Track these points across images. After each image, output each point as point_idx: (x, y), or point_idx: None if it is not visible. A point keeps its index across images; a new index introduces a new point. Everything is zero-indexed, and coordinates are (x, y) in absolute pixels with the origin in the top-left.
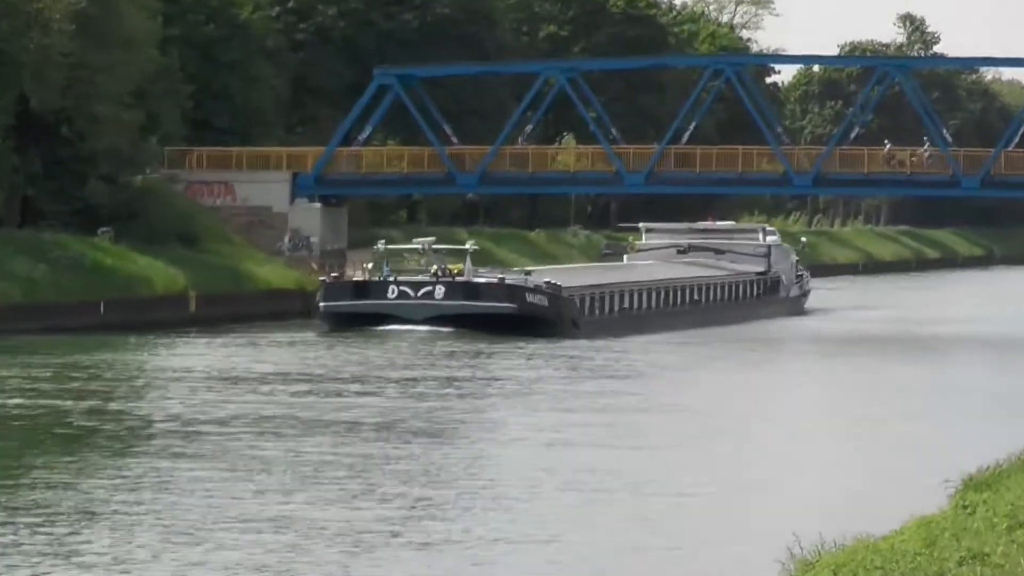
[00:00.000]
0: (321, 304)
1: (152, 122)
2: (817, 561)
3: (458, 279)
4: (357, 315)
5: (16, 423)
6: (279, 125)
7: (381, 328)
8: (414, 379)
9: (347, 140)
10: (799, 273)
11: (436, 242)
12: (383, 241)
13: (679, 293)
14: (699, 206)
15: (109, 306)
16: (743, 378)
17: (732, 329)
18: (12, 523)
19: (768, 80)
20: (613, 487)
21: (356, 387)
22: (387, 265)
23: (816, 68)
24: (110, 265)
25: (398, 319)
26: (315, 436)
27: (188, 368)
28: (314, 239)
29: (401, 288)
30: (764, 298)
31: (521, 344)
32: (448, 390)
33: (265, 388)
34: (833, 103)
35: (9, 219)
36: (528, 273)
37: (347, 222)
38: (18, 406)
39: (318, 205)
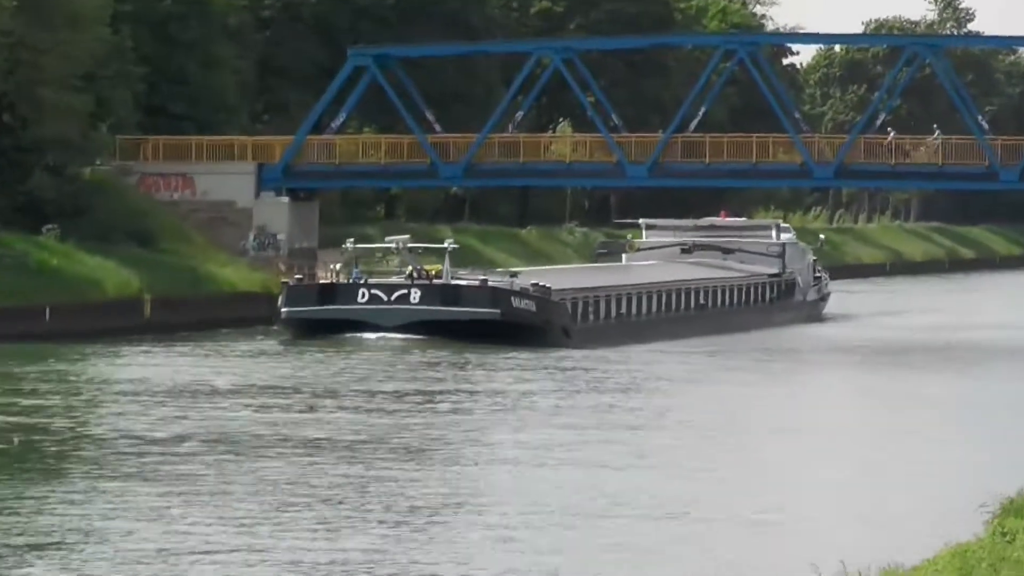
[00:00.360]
0: (283, 310)
1: (102, 108)
2: None
3: (436, 281)
4: (323, 322)
5: None
6: (243, 111)
7: (351, 336)
8: (390, 393)
9: (318, 128)
10: (817, 274)
11: (412, 240)
12: (352, 240)
13: (682, 297)
14: (708, 201)
15: (55, 312)
16: (755, 392)
17: (742, 337)
18: None
19: (785, 61)
20: (620, 514)
21: (329, 402)
22: (357, 266)
23: (838, 48)
24: (56, 266)
25: (369, 326)
26: (282, 457)
27: (141, 381)
28: (281, 237)
29: (372, 292)
30: (778, 303)
31: (505, 354)
32: (428, 405)
33: (225, 403)
34: (857, 87)
35: None
36: (514, 275)
37: (318, 218)
38: None
39: (286, 199)
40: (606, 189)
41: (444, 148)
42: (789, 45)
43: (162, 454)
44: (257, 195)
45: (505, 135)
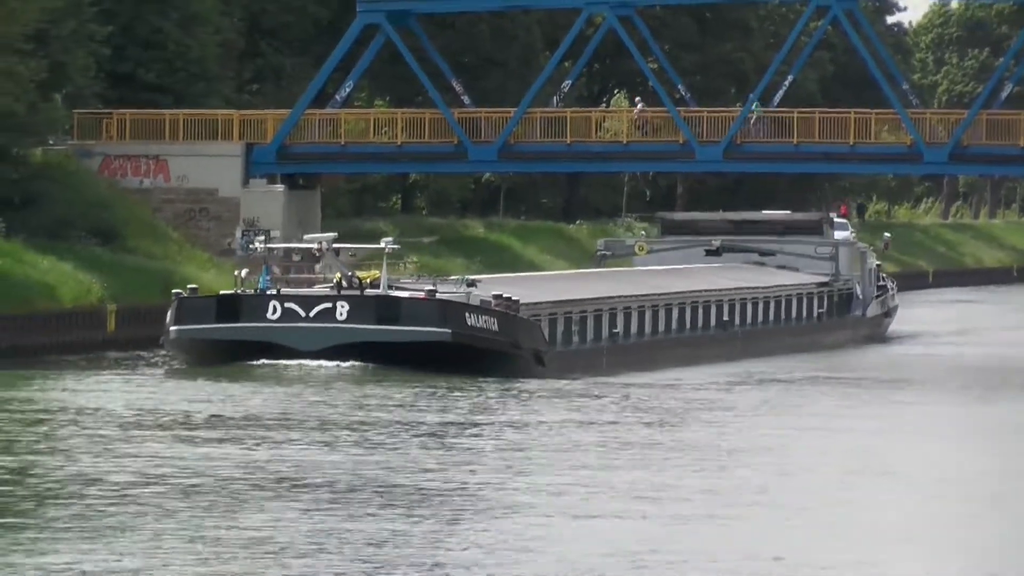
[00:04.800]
0: (172, 328)
1: (56, 76)
2: None
3: (369, 292)
4: (222, 344)
5: None
6: (228, 80)
7: (261, 363)
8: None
9: (320, 100)
10: (881, 283)
11: (339, 239)
12: (262, 237)
13: (699, 313)
14: (797, 189)
15: None
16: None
17: (778, 364)
18: None
19: (890, 20)
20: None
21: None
22: (267, 273)
23: (955, 4)
24: (0, 269)
25: (282, 349)
26: (253, 501)
27: (99, 409)
28: (275, 233)
29: (286, 305)
30: (828, 319)
31: (447, 385)
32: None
33: (198, 437)
34: (978, 51)
35: None
36: (471, 283)
37: (320, 210)
38: None
39: (281, 188)
40: (671, 175)
41: (474, 125)
42: (895, 0)
43: (103, 499)
44: (245, 182)
45: (548, 110)
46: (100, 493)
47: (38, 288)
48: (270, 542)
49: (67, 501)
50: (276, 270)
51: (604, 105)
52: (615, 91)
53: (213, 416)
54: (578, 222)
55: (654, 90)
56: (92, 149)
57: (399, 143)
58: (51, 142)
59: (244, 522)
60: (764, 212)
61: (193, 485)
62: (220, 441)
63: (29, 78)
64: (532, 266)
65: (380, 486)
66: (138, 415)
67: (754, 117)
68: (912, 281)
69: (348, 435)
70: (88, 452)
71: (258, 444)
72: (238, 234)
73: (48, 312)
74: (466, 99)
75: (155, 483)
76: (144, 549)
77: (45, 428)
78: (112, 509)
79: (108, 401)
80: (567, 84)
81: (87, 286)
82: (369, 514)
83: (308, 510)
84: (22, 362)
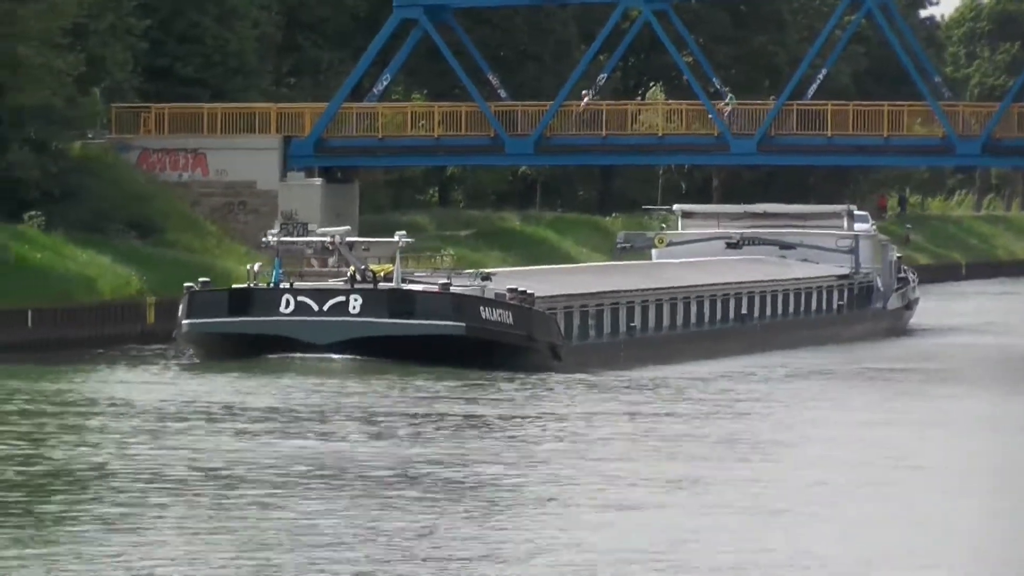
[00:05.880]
0: (184, 322)
1: (95, 70)
2: None
3: (383, 286)
4: (235, 338)
5: None
6: (266, 74)
7: (274, 357)
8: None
9: (357, 93)
10: (901, 275)
11: (351, 233)
12: (274, 231)
13: (717, 306)
14: (831, 182)
15: (40, 317)
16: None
17: (796, 357)
18: None
19: (923, 13)
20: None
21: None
22: (280, 266)
23: None
24: (40, 261)
25: (295, 343)
26: (302, 491)
27: (138, 400)
28: (313, 227)
29: (299, 299)
30: (848, 312)
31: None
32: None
33: (243, 426)
34: (1009, 45)
35: None
36: (486, 277)
37: (358, 204)
38: None
39: (318, 181)
40: (706, 168)
41: (511, 118)
42: None
43: (143, 491)
44: (283, 175)
45: (585, 103)
46: (142, 484)
47: (78, 281)
48: (310, 532)
49: (108, 492)
50: (315, 263)
51: (639, 99)
52: (650, 84)
53: (243, 408)
54: (613, 215)
55: (688, 84)
56: (130, 143)
57: (436, 136)
58: (90, 136)
59: (281, 512)
60: (786, 206)
61: (225, 476)
62: (252, 433)
63: (67, 72)
64: (568, 258)
65: (416, 477)
66: (171, 406)
67: (728, 109)
68: (946, 273)
69: (379, 427)
70: (127, 443)
71: (293, 436)
72: (276, 227)
73: (88, 305)
74: (502, 93)
75: (190, 474)
76: (182, 539)
77: (84, 420)
78: (153, 499)
79: (146, 393)
80: (603, 78)
81: (126, 279)
82: (406, 505)
83: (347, 500)
84: (62, 354)
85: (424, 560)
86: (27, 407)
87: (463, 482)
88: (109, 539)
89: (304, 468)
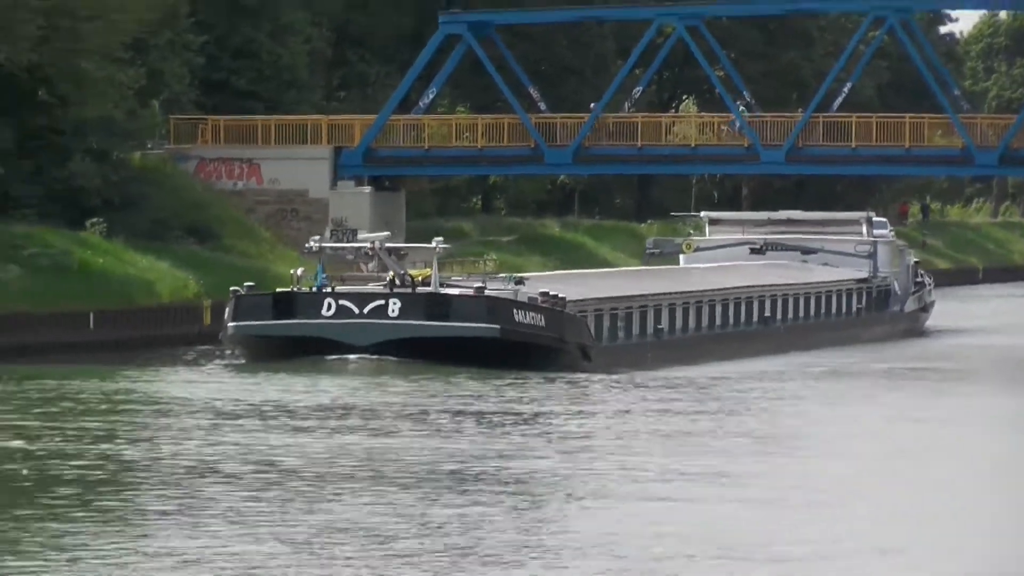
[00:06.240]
0: (230, 324)
1: (154, 84)
2: None
3: (421, 290)
4: (279, 340)
5: None
6: (317, 87)
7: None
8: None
9: (404, 106)
10: (918, 279)
11: (391, 239)
12: (317, 237)
13: (741, 309)
14: (856, 190)
15: (101, 319)
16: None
17: (814, 357)
18: None
19: (943, 30)
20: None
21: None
22: (323, 271)
23: (1003, 15)
24: (102, 266)
25: (336, 345)
26: (345, 487)
27: (192, 399)
28: (362, 233)
29: (340, 303)
30: (867, 314)
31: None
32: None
33: (294, 423)
34: None
35: None
36: (519, 281)
37: (405, 211)
38: None
39: (367, 189)
40: (737, 177)
41: (550, 130)
42: (947, 11)
43: (201, 484)
44: (333, 184)
45: (620, 115)
46: (199, 477)
47: (138, 285)
48: (362, 527)
49: (167, 485)
50: (364, 268)
51: (673, 111)
52: (684, 97)
53: (293, 406)
54: (649, 221)
55: (720, 97)
56: (188, 153)
57: (480, 147)
58: (149, 146)
59: (332, 504)
60: (807, 213)
61: (278, 470)
62: (303, 430)
63: (128, 86)
64: (605, 263)
65: (459, 471)
66: (225, 404)
67: (738, 125)
68: (964, 277)
69: (423, 423)
70: (185, 439)
71: (343, 432)
72: (327, 233)
73: (147, 307)
74: (543, 105)
75: (244, 468)
76: (238, 533)
77: (143, 417)
78: (209, 492)
79: (201, 391)
80: (638, 91)
81: (184, 282)
82: (451, 497)
83: (396, 494)
84: (122, 354)
85: (470, 550)
86: (89, 405)
87: (504, 476)
88: (169, 529)
89: (353, 463)
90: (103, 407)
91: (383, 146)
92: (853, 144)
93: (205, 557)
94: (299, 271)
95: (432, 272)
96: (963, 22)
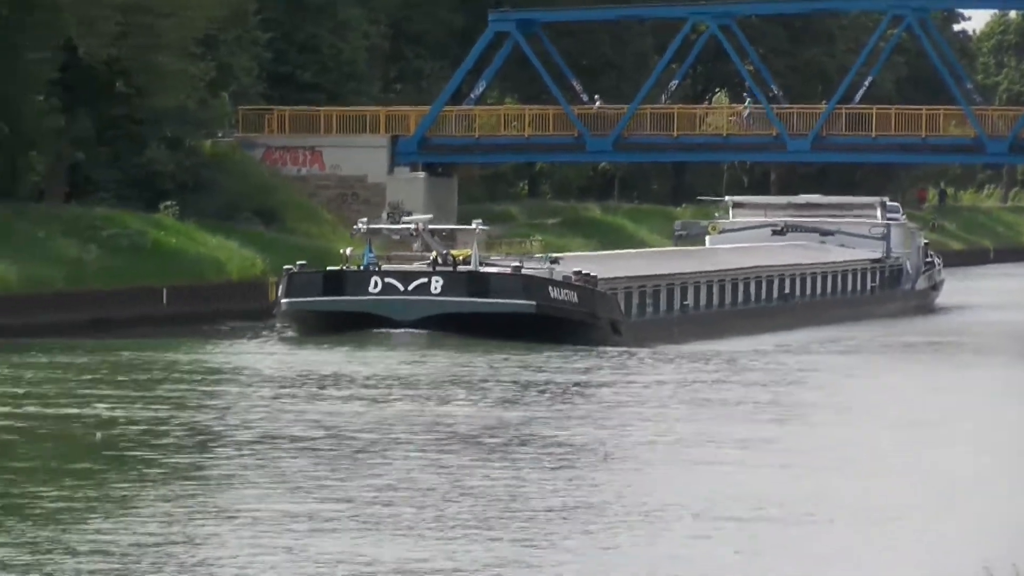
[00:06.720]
0: (283, 301)
1: (224, 76)
2: None
3: (461, 268)
4: (329, 315)
5: (56, 437)
6: (375, 80)
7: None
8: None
9: (456, 98)
10: (928, 259)
11: (433, 221)
12: (365, 219)
13: (762, 286)
14: (876, 177)
15: (173, 294)
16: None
17: (830, 331)
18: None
19: (956, 28)
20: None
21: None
22: (370, 250)
23: (1013, 14)
24: (175, 246)
25: (382, 320)
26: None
27: (261, 371)
28: (417, 215)
29: (386, 280)
30: (880, 292)
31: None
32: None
33: (350, 392)
34: None
35: (54, 192)
36: (554, 261)
37: (456, 195)
38: (56, 417)
39: (422, 175)
40: (765, 164)
41: (592, 120)
42: (961, 10)
43: (264, 448)
44: (391, 170)
45: (658, 106)
46: (266, 443)
47: (208, 263)
48: (413, 486)
49: (234, 449)
50: (414, 248)
51: (707, 103)
52: (716, 90)
53: (349, 377)
54: (683, 205)
55: (750, 89)
56: (255, 141)
57: (526, 136)
58: (219, 135)
59: (387, 467)
60: (826, 197)
61: (337, 436)
62: (359, 398)
63: (200, 78)
64: (642, 244)
65: (504, 436)
66: (287, 374)
67: (747, 112)
68: (976, 257)
69: (470, 392)
70: (250, 407)
71: (394, 400)
72: (384, 215)
73: (216, 284)
74: (585, 97)
75: (305, 433)
76: (298, 492)
77: (214, 387)
78: (272, 455)
79: (264, 362)
80: (674, 84)
81: (251, 261)
82: (498, 461)
83: (446, 457)
84: (194, 328)
85: (518, 511)
86: (164, 375)
87: (549, 440)
88: (235, 490)
89: (406, 428)
90: (174, 376)
91: (436, 135)
92: (873, 134)
93: (269, 516)
94: (348, 251)
95: (472, 252)
96: (976, 20)
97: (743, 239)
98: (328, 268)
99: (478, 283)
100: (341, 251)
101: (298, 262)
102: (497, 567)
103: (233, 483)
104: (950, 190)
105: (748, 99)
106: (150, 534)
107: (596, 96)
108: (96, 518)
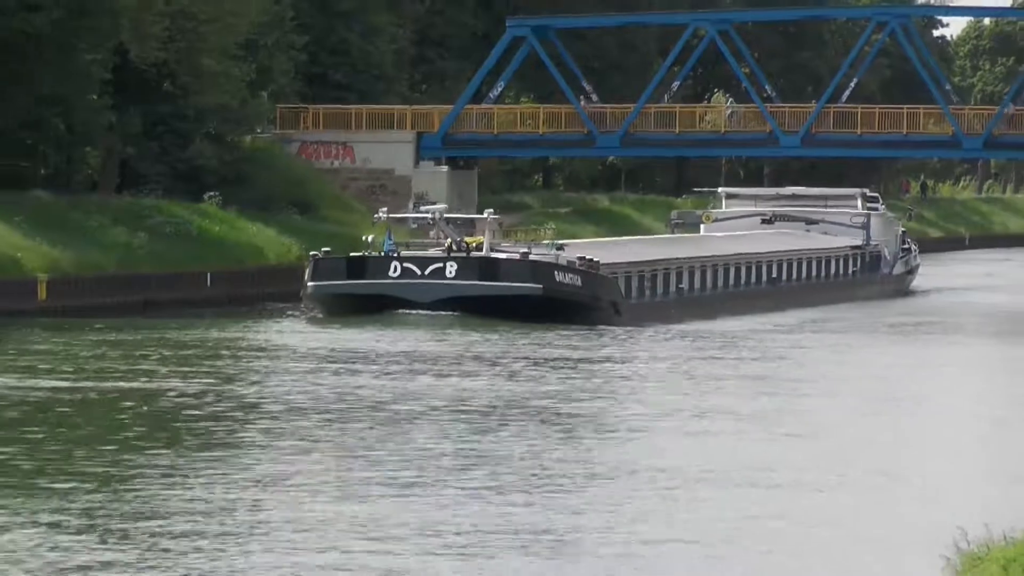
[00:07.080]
0: (310, 284)
1: (263, 77)
2: (986, 556)
3: (473, 254)
4: (352, 297)
5: (109, 409)
6: (402, 81)
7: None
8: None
9: (477, 97)
10: (904, 246)
11: (449, 210)
12: (385, 208)
13: (752, 271)
14: (860, 171)
15: (216, 278)
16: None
17: (814, 312)
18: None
19: (936, 33)
20: (754, 481)
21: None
22: (390, 237)
23: (987, 21)
24: (217, 233)
25: (401, 302)
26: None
27: (296, 348)
28: (441, 205)
29: (405, 265)
30: (860, 276)
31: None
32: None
33: (378, 367)
34: (1005, 59)
35: (105, 184)
36: (559, 247)
37: (477, 187)
38: (113, 390)
39: (445, 168)
40: (760, 159)
41: (601, 118)
42: (939, 17)
43: (300, 419)
44: (416, 164)
45: (661, 105)
46: (298, 414)
47: (248, 249)
48: (439, 455)
49: (272, 420)
50: (435, 235)
51: (706, 102)
52: (714, 91)
53: (375, 353)
54: (684, 196)
55: (746, 90)
56: (291, 137)
57: (541, 132)
58: (259, 131)
59: (412, 436)
60: (810, 188)
61: (365, 407)
62: (387, 373)
63: (241, 79)
64: (648, 231)
65: (518, 407)
66: (321, 351)
67: (729, 111)
68: (952, 244)
69: (486, 367)
70: (286, 381)
71: (420, 375)
72: (410, 205)
73: (256, 268)
74: (595, 96)
75: (337, 405)
76: (330, 460)
77: (254, 362)
78: (306, 425)
79: (299, 340)
80: (676, 85)
81: (288, 247)
82: (514, 431)
83: (467, 427)
84: (235, 309)
85: (532, 476)
86: (208, 352)
87: (560, 412)
88: (274, 458)
89: (428, 401)
90: (217, 353)
91: (458, 131)
92: (859, 131)
93: (303, 482)
94: (370, 238)
95: (484, 239)
96: (953, 27)
97: (735, 227)
98: (351, 254)
99: (489, 268)
100: (363, 238)
101: (323, 249)
102: (511, 532)
103: (269, 450)
104: (930, 182)
105: (730, 99)
106: (194, 498)
107: (592, 93)
108: (144, 483)
